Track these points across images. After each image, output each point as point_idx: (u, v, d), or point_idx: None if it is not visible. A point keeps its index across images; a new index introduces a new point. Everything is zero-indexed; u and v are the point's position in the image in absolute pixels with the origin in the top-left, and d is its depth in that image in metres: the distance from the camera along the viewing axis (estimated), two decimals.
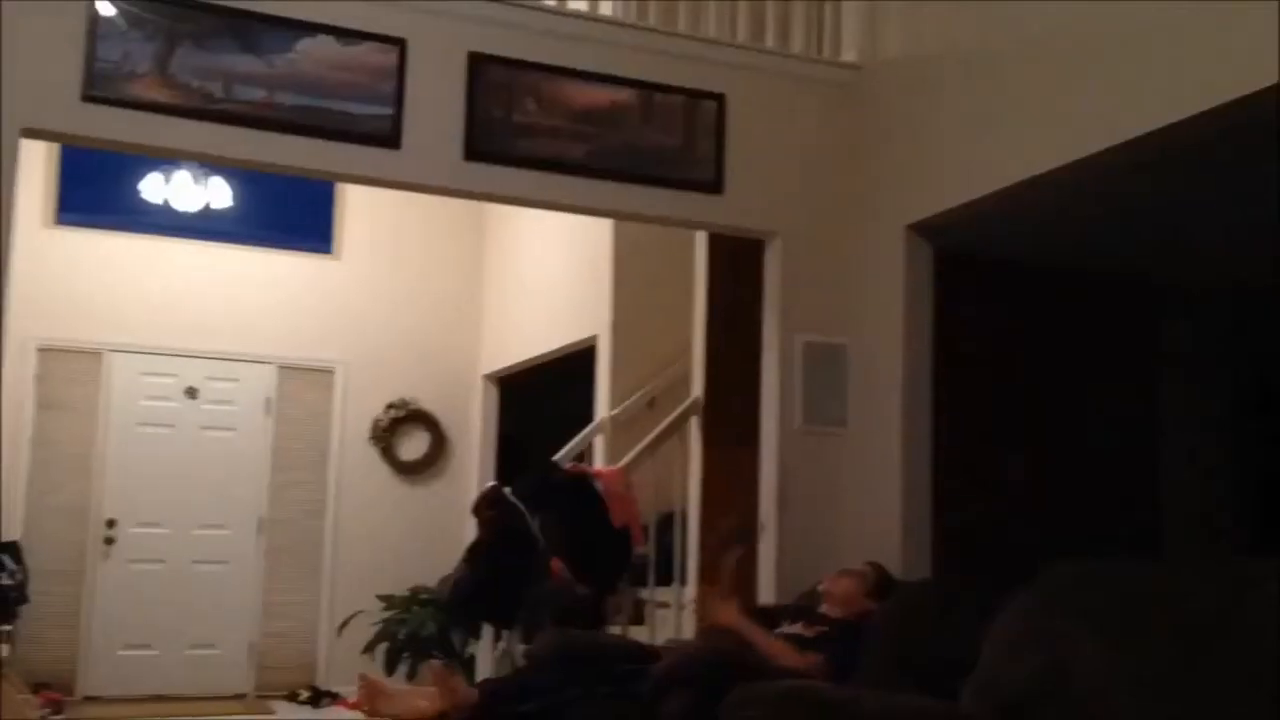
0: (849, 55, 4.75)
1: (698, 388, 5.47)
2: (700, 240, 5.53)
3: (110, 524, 7.52)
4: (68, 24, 3.69)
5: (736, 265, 5.17)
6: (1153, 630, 2.68)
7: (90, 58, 3.69)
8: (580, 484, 5.13)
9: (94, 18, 3.70)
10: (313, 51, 3.96)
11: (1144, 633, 2.69)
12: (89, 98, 3.69)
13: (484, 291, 8.36)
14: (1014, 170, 3.86)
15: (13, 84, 3.62)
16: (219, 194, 7.47)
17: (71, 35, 3.69)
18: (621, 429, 6.01)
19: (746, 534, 4.07)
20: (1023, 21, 3.90)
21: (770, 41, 4.72)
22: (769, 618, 3.88)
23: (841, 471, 4.54)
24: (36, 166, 7.20)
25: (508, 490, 5.03)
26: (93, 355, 7.56)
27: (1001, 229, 4.35)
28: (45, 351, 7.42)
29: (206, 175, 7.36)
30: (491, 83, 4.20)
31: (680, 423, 5.43)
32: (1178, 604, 2.71)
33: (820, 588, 3.90)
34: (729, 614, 3.73)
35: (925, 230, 4.39)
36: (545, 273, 7.25)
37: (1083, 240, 4.53)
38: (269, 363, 7.93)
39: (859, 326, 4.59)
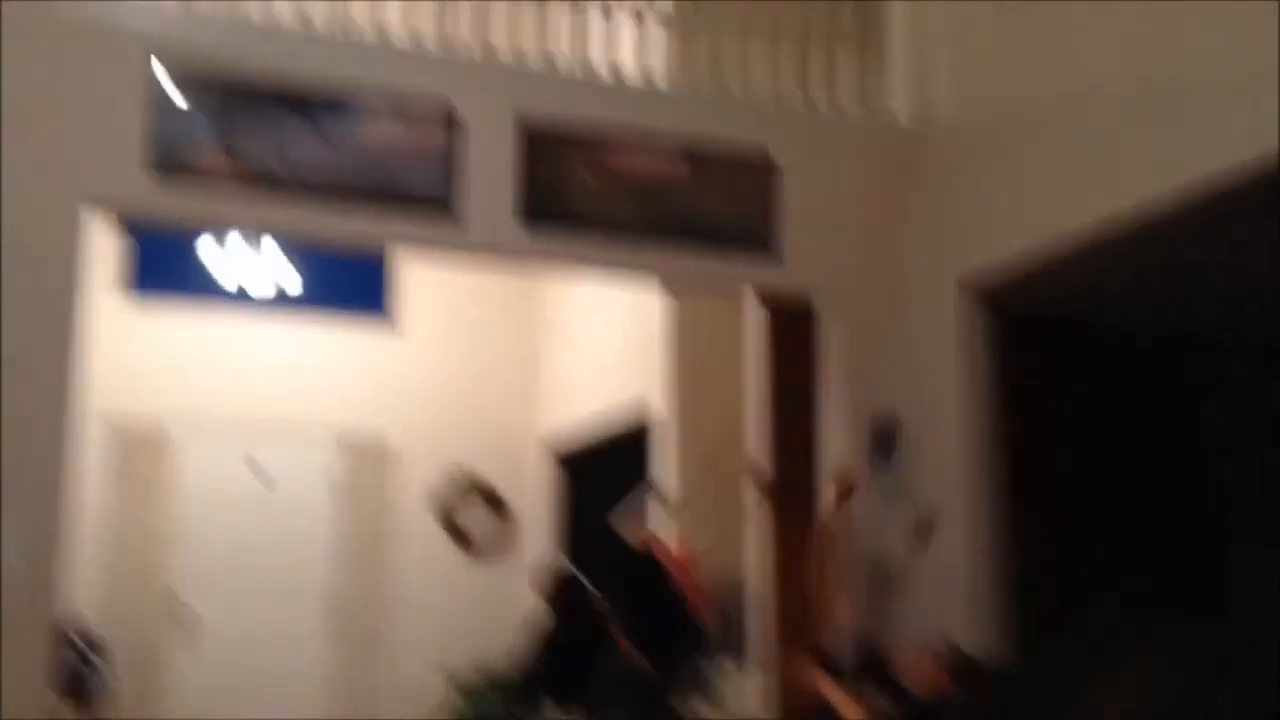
0: (899, 114, 4.75)
1: (760, 459, 5.40)
2: (756, 304, 5.50)
3: (178, 601, 7.54)
4: (132, 99, 3.81)
5: (794, 331, 5.12)
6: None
7: (154, 133, 3.81)
8: (646, 559, 5.07)
9: (158, 93, 3.83)
10: (369, 123, 4.04)
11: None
12: (153, 172, 3.79)
13: (542, 363, 8.37)
14: (1069, 224, 3.80)
15: (78, 158, 3.75)
16: (280, 265, 7.57)
17: (136, 110, 3.81)
18: (685, 503, 5.94)
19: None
20: (1072, 77, 3.89)
21: (820, 103, 4.73)
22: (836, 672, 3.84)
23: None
24: (103, 240, 7.34)
25: (572, 567, 4.99)
26: (157, 430, 7.64)
27: (1058, 288, 4.27)
28: (111, 426, 7.50)
29: (268, 246, 7.45)
30: (543, 148, 4.25)
31: (743, 495, 5.35)
32: (1259, 679, 2.58)
33: (897, 663, 3.83)
34: (815, 679, 3.69)
35: (981, 290, 4.33)
36: (603, 343, 7.27)
37: (1141, 300, 4.43)
38: (330, 436, 7.96)
39: (918, 392, 4.51)
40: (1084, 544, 4.48)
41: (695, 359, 6.25)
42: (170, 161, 3.81)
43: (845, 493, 4.32)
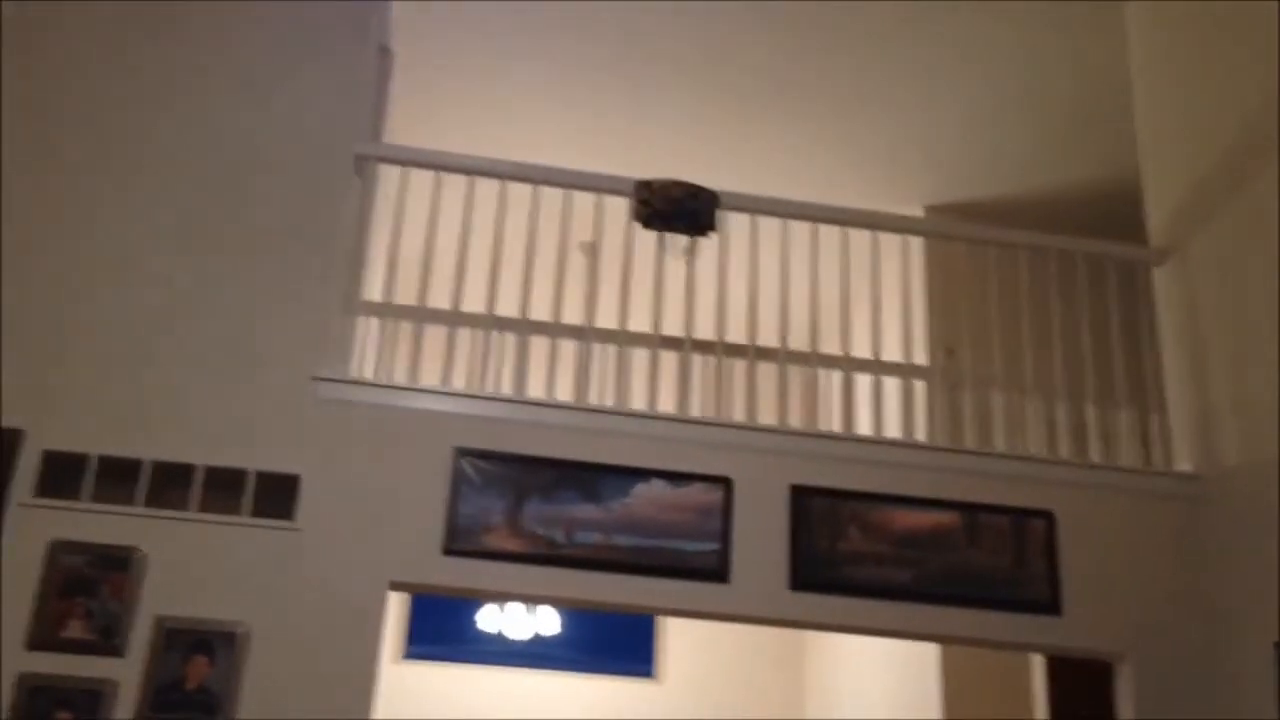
0: (1183, 465, 4.58)
1: None
2: (1038, 664, 5.23)
3: None
4: (435, 486, 4.09)
5: (1082, 689, 4.82)
6: None
7: (452, 515, 4.05)
8: None
9: (457, 479, 4.10)
10: (646, 494, 4.21)
11: None
12: (449, 551, 4.02)
13: (809, 710, 8.11)
14: None
15: (384, 544, 4.01)
16: (548, 621, 7.78)
17: (438, 497, 4.07)
18: None
19: None
20: None
21: (1096, 455, 4.62)
22: None
23: None
24: (391, 608, 7.71)
25: None
26: None
27: None
28: None
29: (537, 604, 7.68)
30: (814, 513, 4.29)
31: None
32: None
33: None
34: None
35: None
36: (869, 701, 6.97)
37: None
38: None
39: None
40: None
41: (975, 709, 5.91)
42: (465, 542, 4.03)
43: None
